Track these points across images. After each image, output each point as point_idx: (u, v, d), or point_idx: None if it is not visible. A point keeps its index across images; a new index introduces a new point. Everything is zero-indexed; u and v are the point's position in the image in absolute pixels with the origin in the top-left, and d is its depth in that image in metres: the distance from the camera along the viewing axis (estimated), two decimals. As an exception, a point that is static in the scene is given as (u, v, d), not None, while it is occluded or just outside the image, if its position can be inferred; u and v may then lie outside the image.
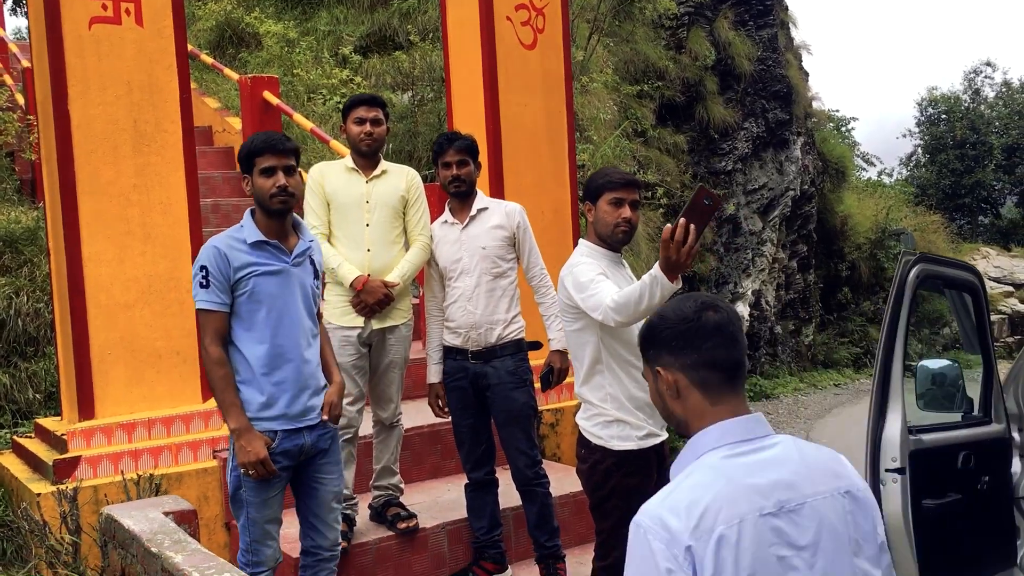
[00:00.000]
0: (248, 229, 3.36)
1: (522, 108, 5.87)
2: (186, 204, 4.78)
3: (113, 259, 4.61)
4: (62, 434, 4.49)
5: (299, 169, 3.47)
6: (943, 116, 29.93)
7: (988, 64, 34.82)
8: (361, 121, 4.33)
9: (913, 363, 4.11)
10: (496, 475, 4.38)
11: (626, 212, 3.36)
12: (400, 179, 4.44)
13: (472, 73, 5.88)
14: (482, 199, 4.33)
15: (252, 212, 3.42)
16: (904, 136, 33.57)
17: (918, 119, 30.77)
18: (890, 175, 30.05)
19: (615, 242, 3.42)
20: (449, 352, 4.25)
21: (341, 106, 9.03)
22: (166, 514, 3.52)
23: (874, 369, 3.36)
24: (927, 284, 3.55)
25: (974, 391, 4.05)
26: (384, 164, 4.46)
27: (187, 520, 3.55)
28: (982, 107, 29.98)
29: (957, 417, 3.91)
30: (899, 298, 3.32)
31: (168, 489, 4.32)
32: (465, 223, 4.24)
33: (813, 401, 15.76)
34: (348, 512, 4.32)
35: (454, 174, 4.22)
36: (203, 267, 3.28)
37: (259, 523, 3.32)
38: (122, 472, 4.34)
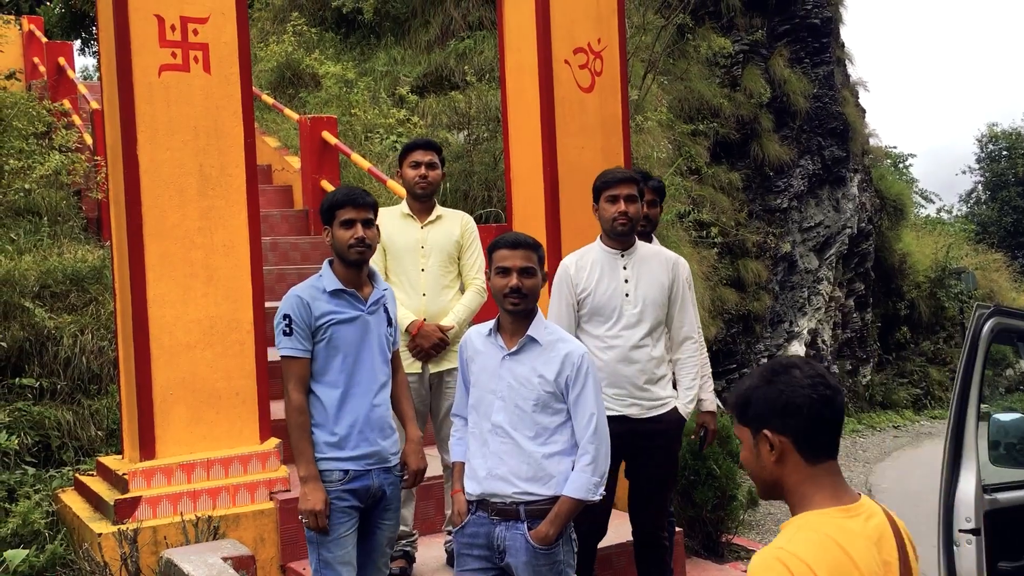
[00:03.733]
0: (327, 278, 3.53)
1: (579, 151, 5.86)
2: (248, 246, 4.84)
3: (177, 300, 4.68)
4: (123, 473, 4.55)
5: (376, 224, 3.60)
6: (1004, 152, 29.34)
7: (1050, 99, 34.09)
8: (417, 165, 4.42)
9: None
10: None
11: (621, 206, 3.74)
12: (455, 224, 4.51)
13: (529, 116, 5.90)
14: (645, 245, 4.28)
15: (331, 262, 3.59)
16: (964, 172, 33.03)
17: (978, 155, 30.24)
18: (949, 212, 29.54)
19: (616, 235, 3.82)
20: None
21: (397, 145, 9.20)
22: (225, 559, 3.53)
23: (947, 425, 3.26)
24: (1001, 338, 3.45)
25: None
26: (439, 210, 4.54)
27: (245, 566, 3.56)
28: (1045, 143, 29.37)
29: (1033, 474, 3.77)
30: (972, 352, 3.23)
31: (225, 530, 4.34)
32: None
33: (871, 443, 15.39)
34: (408, 549, 4.33)
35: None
36: (286, 315, 3.45)
37: (331, 564, 3.38)
38: (181, 513, 4.37)
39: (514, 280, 3.19)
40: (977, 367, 3.25)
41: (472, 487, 3.26)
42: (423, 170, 4.43)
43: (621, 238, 3.90)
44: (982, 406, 3.33)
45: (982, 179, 29.87)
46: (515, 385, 3.22)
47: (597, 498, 3.20)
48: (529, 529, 3.15)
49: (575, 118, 5.86)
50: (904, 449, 14.90)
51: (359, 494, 3.44)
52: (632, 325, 3.87)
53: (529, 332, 3.25)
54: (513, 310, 3.23)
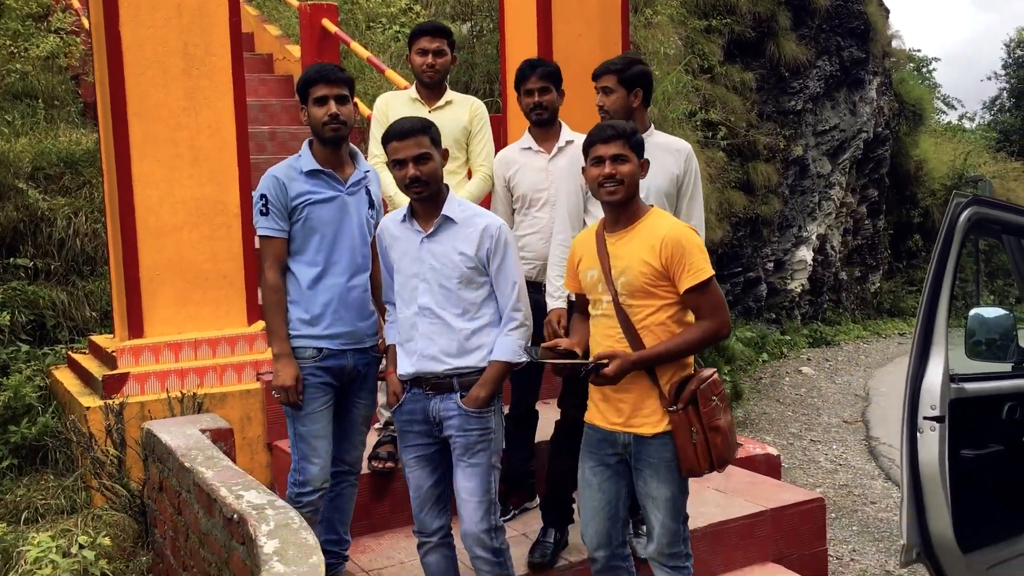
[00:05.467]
0: (305, 158, 3.51)
1: (576, 38, 5.73)
2: (234, 129, 4.81)
3: (162, 181, 4.68)
4: (112, 351, 4.62)
5: (355, 99, 3.56)
6: (1033, 58, 28.51)
7: (1085, 4, 32.92)
8: (424, 52, 4.32)
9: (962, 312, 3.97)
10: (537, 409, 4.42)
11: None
12: (464, 110, 4.44)
13: (526, 2, 5.75)
14: (567, 131, 4.28)
15: (310, 142, 3.56)
16: (989, 79, 32.17)
17: (1005, 61, 29.37)
18: (972, 119, 28.88)
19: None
20: None
21: (400, 35, 9.01)
22: (203, 431, 3.61)
23: (917, 314, 3.25)
24: (981, 229, 3.41)
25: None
26: (449, 94, 4.46)
27: (223, 438, 3.65)
28: (1075, 50, 28.47)
29: (1007, 367, 3.78)
30: (948, 241, 3.20)
31: (211, 408, 4.43)
32: (552, 154, 4.20)
33: (875, 349, 15.45)
34: (396, 434, 4.40)
35: (536, 101, 4.16)
36: (263, 195, 3.45)
37: (306, 438, 3.45)
38: (167, 390, 4.46)
39: (410, 170, 3.18)
40: (951, 257, 3.22)
41: (405, 367, 3.31)
42: (430, 58, 4.32)
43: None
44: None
45: (1007, 86, 29.10)
46: (437, 266, 3.25)
47: (524, 360, 3.27)
48: (462, 398, 3.23)
49: (573, 5, 5.71)
50: (905, 355, 14.88)
51: (333, 372, 3.48)
52: None
53: (443, 212, 3.26)
54: (419, 197, 3.24)
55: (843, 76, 15.46)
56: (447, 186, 3.35)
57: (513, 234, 4.20)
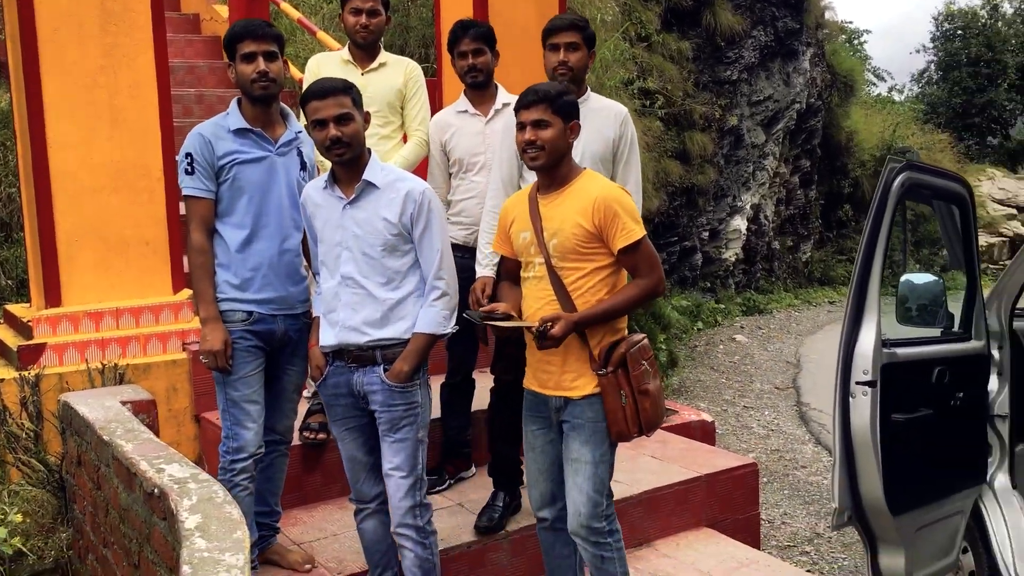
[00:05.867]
0: (233, 116, 3.39)
1: (511, 3, 5.63)
2: (156, 88, 4.61)
3: (80, 143, 4.47)
4: (28, 320, 4.42)
5: (284, 58, 3.42)
6: (959, 32, 29.14)
7: (1009, -20, 33.81)
8: (358, 11, 4.17)
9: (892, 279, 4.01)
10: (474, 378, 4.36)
11: (560, 55, 3.56)
12: (398, 72, 4.31)
13: (461, -38, 5.62)
14: (504, 93, 4.18)
15: (239, 101, 3.43)
16: (918, 52, 32.81)
17: (933, 34, 29.98)
18: (901, 92, 29.47)
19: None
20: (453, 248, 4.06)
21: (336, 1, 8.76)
22: (123, 403, 3.47)
23: (851, 278, 3.26)
24: (914, 194, 3.42)
25: (957, 309, 3.96)
26: (383, 56, 4.31)
27: (144, 410, 3.51)
28: (1000, 24, 29.17)
29: (936, 333, 3.83)
30: (882, 206, 3.20)
31: (134, 380, 4.27)
32: (489, 116, 4.10)
33: (806, 317, 15.75)
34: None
35: (470, 63, 4.06)
36: (188, 154, 3.32)
37: (238, 403, 3.34)
38: (87, 361, 4.29)
39: (331, 131, 3.06)
40: (885, 222, 3.23)
41: (327, 339, 3.21)
42: (364, 18, 4.17)
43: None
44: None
45: (935, 59, 29.74)
46: (360, 233, 3.14)
47: (449, 331, 3.20)
48: (385, 372, 3.15)
49: (508, -35, 5.59)
50: (836, 323, 15.26)
51: (263, 336, 3.38)
52: None
53: (365, 176, 3.14)
54: (340, 160, 3.12)
55: (777, 47, 15.59)
56: (370, 150, 3.24)
57: (440, 199, 4.14)
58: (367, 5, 4.17)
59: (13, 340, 4.48)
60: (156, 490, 2.61)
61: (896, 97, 28.07)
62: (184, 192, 3.35)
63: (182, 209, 3.54)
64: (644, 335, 3.04)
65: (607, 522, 3.07)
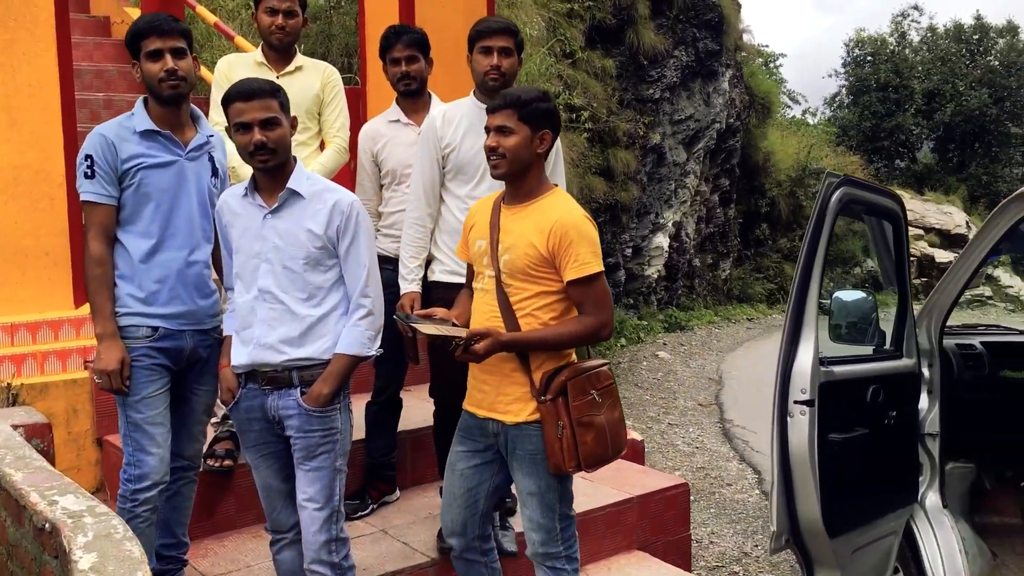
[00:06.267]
0: (139, 117, 3.10)
1: (440, 9, 5.48)
2: (58, 88, 4.31)
3: (-28, 145, 4.15)
4: (-89, 337, 4.08)
5: (194, 55, 3.17)
6: (869, 58, 30.14)
7: (916, 8, 35.17)
8: (273, 12, 3.95)
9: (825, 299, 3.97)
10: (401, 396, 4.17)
11: (494, 59, 3.45)
12: (315, 76, 4.10)
13: (387, -33, 5.46)
14: (438, 103, 4.02)
15: (145, 101, 3.15)
16: (830, 76, 33.86)
17: (844, 60, 30.96)
18: (814, 114, 30.30)
19: (488, 90, 3.50)
20: (384, 261, 3.75)
21: (251, 2, 8.49)
22: (15, 427, 3.18)
23: (789, 297, 3.19)
24: (848, 210, 3.38)
25: (888, 327, 3.95)
26: (300, 59, 4.10)
27: (39, 434, 3.23)
28: (907, 51, 30.27)
29: (868, 350, 3.80)
30: (819, 223, 3.14)
31: (29, 401, 3.96)
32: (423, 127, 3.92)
33: (726, 334, 15.93)
34: (233, 429, 4.04)
35: (403, 71, 3.90)
36: (88, 156, 3.02)
37: (141, 425, 3.06)
38: (-23, 380, 3.96)
39: (257, 135, 2.86)
40: (823, 238, 3.17)
41: (239, 357, 2.99)
42: (280, 18, 3.94)
43: (493, 93, 3.51)
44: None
45: (846, 84, 30.67)
46: (281, 245, 2.94)
47: (372, 353, 3.01)
48: (302, 395, 2.94)
49: (436, -27, 5.45)
50: (755, 340, 15.50)
51: (170, 354, 3.13)
52: (499, 187, 3.59)
53: (289, 185, 2.95)
54: (264, 167, 2.92)
55: (698, 67, 15.80)
56: (295, 158, 3.04)
57: (371, 212, 3.96)
58: (284, 5, 3.96)
59: None
60: (47, 525, 2.36)
61: (809, 120, 28.83)
62: (82, 197, 3.07)
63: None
64: (602, 362, 2.89)
65: (564, 546, 2.90)
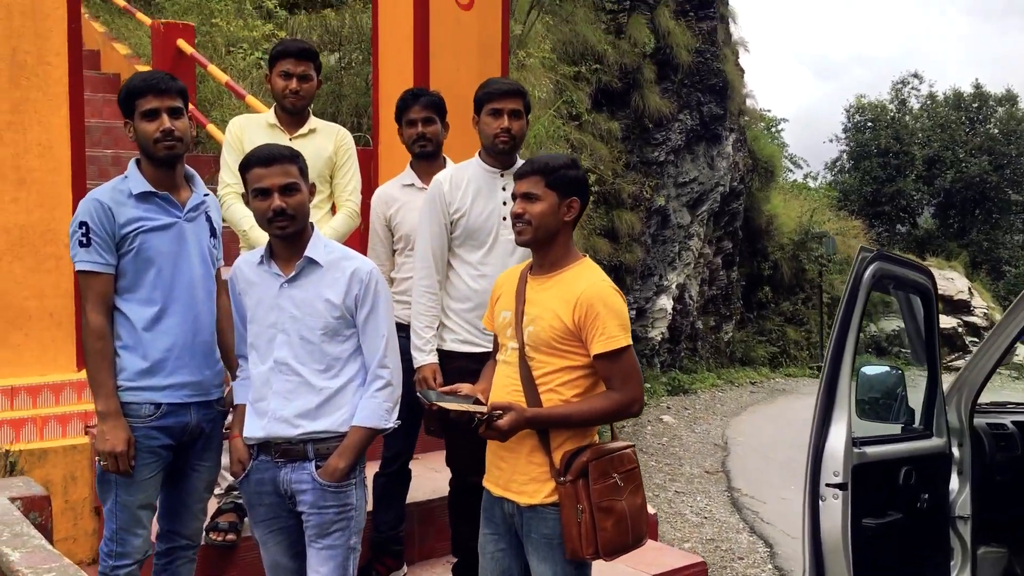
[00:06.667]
0: (133, 179, 2.97)
1: (454, 72, 5.45)
2: (69, 148, 4.25)
3: (-21, 204, 4.07)
4: (-92, 399, 3.95)
5: (187, 113, 3.04)
6: (869, 124, 30.44)
7: (916, 76, 35.60)
8: (288, 75, 3.89)
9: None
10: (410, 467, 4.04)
11: (504, 122, 3.39)
12: (328, 139, 4.04)
13: (402, 32, 5.45)
14: (452, 166, 3.95)
15: (137, 162, 3.01)
16: (831, 141, 34.14)
17: (845, 125, 31.27)
18: (815, 179, 30.50)
19: (497, 152, 3.46)
20: (398, 328, 3.61)
21: (262, 63, 8.53)
22: (12, 500, 3.04)
23: (821, 373, 3.08)
24: (878, 284, 3.28)
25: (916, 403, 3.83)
26: (313, 122, 4.04)
27: (37, 507, 3.09)
28: (907, 118, 30.59)
29: (897, 429, 3.67)
30: (852, 298, 3.04)
31: (29, 467, 3.82)
32: None
33: (730, 398, 15.77)
34: (240, 501, 3.89)
35: (420, 132, 3.86)
36: (83, 223, 2.88)
37: (129, 508, 2.92)
38: (-26, 446, 3.83)
39: (276, 201, 2.79)
40: (856, 314, 3.07)
41: (253, 430, 2.88)
42: (294, 82, 3.88)
43: (502, 156, 3.51)
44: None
45: (847, 149, 30.94)
46: (298, 315, 2.85)
47: (391, 426, 2.91)
48: (317, 469, 2.83)
49: (451, 37, 5.44)
50: (759, 404, 15.34)
51: (172, 431, 2.98)
52: (509, 252, 3.49)
53: (307, 253, 2.87)
54: (282, 234, 2.85)
55: (703, 131, 15.90)
56: (312, 225, 2.96)
57: (386, 280, 3.86)
58: (298, 69, 3.91)
59: None
60: (45, 612, 2.22)
61: (811, 184, 29.00)
62: (78, 267, 2.92)
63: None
64: (627, 444, 2.76)
65: None
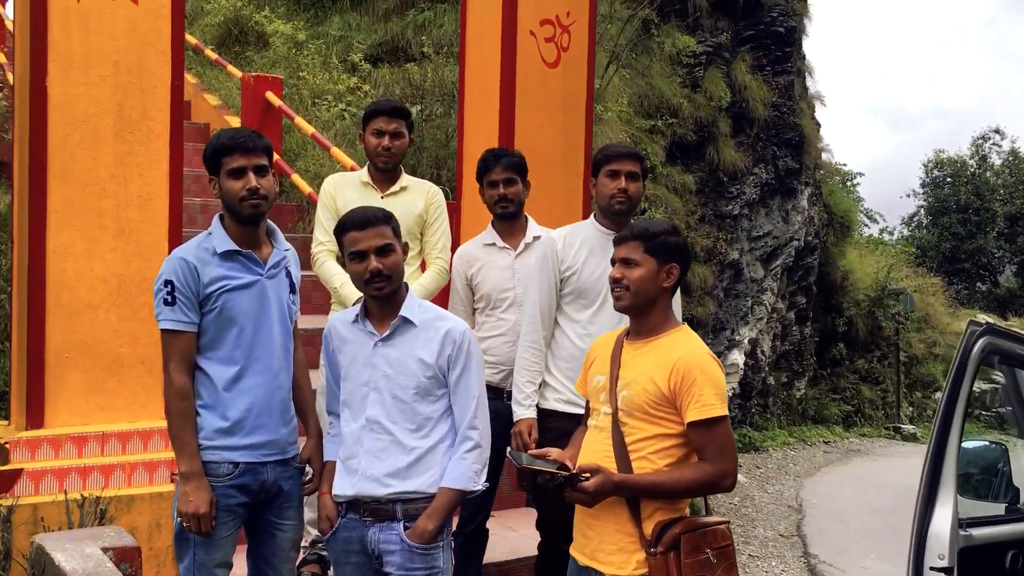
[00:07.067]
0: (217, 238, 2.98)
1: (539, 128, 5.50)
2: (167, 200, 4.38)
3: (81, 254, 4.20)
4: (5, 442, 4.05)
5: (273, 170, 3.08)
6: (949, 179, 29.79)
7: (997, 131, 34.81)
8: (380, 133, 3.97)
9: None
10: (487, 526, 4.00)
11: (621, 183, 3.44)
12: (419, 196, 4.09)
13: (488, 88, 5.52)
14: (534, 226, 4.00)
15: (221, 218, 3.03)
16: (908, 196, 33.47)
17: (923, 180, 30.65)
18: (891, 233, 29.89)
19: (613, 214, 3.51)
20: None
21: (346, 114, 8.71)
22: (105, 550, 3.07)
23: (927, 449, 2.96)
24: (989, 360, 3.16)
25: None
26: (405, 179, 4.10)
27: (128, 559, 3.11)
28: (988, 174, 29.86)
29: (1000, 508, 3.51)
30: (961, 372, 2.93)
31: (116, 514, 3.88)
32: (519, 250, 3.91)
33: (802, 457, 15.37)
34: (324, 553, 3.89)
35: (501, 193, 3.90)
36: (168, 281, 2.90)
37: (207, 566, 2.92)
38: (66, 491, 3.89)
39: (372, 263, 2.83)
40: (963, 390, 2.96)
41: (343, 488, 2.89)
42: (387, 140, 3.95)
43: (618, 217, 3.52)
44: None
45: (925, 204, 30.29)
46: (391, 374, 2.87)
47: (479, 488, 2.90)
48: (406, 529, 2.82)
49: (536, 94, 5.49)
50: (834, 465, 14.90)
51: (249, 490, 2.97)
52: (618, 314, 3.48)
53: (402, 313, 2.90)
54: (379, 295, 2.88)
55: (777, 184, 15.72)
56: (406, 285, 2.98)
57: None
58: (390, 127, 3.97)
59: (-14, 463, 4.10)
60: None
61: (886, 238, 28.42)
62: (162, 326, 2.92)
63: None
64: (722, 520, 2.68)
65: None
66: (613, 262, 2.79)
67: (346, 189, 4.02)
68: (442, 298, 4.38)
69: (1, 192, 6.48)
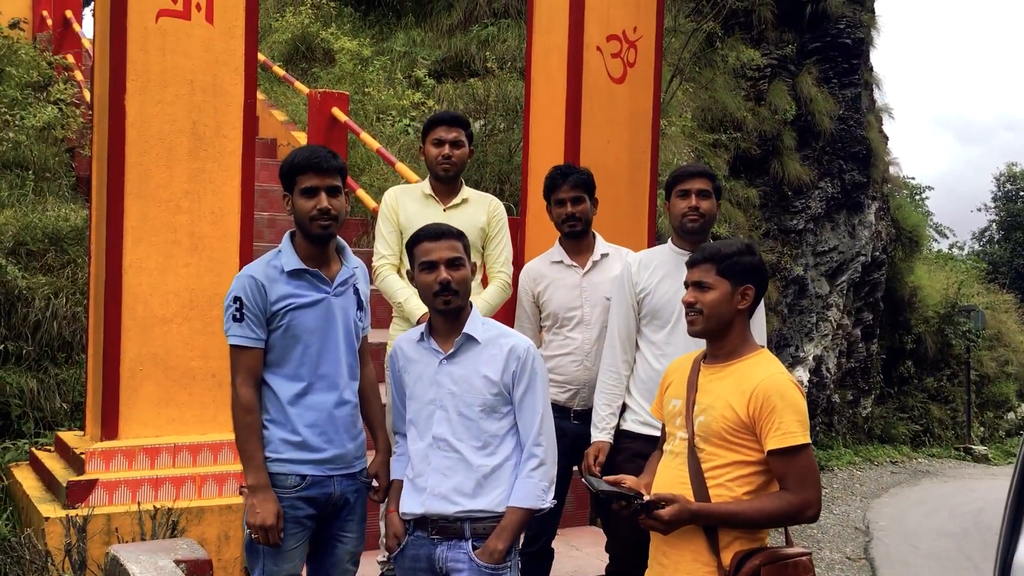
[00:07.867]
0: (286, 256, 3.01)
1: (605, 144, 5.47)
2: (239, 216, 4.45)
3: (155, 268, 4.28)
4: (80, 452, 4.14)
5: (346, 190, 3.10)
6: (1021, 193, 28.96)
7: (1071, 143, 33.78)
8: (440, 143, 3.97)
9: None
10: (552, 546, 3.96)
11: (692, 201, 3.44)
12: (481, 209, 4.08)
13: (554, 104, 5.51)
14: (602, 243, 3.97)
15: (292, 235, 3.07)
16: (979, 210, 32.65)
17: (995, 194, 29.84)
18: (961, 248, 29.15)
19: (685, 232, 3.49)
20: None
21: (410, 129, 8.80)
22: (178, 563, 3.11)
23: (1011, 476, 2.85)
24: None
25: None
26: (466, 191, 4.09)
27: (200, 571, 3.15)
28: (1063, 187, 28.98)
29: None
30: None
31: (186, 525, 3.94)
32: (587, 268, 3.88)
33: (869, 478, 15.01)
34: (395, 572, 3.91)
35: (569, 212, 3.86)
36: (237, 298, 2.94)
37: None
38: (139, 502, 3.97)
39: (442, 274, 2.83)
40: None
41: (411, 506, 2.88)
42: (447, 149, 3.95)
43: (691, 237, 3.49)
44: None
45: (996, 219, 29.48)
46: (456, 391, 2.86)
47: (547, 506, 2.87)
48: (474, 548, 2.80)
49: (603, 110, 5.47)
50: (902, 486, 14.54)
51: (317, 502, 2.99)
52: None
53: (465, 330, 2.89)
54: (445, 308, 2.87)
55: (843, 199, 15.44)
56: (471, 303, 2.98)
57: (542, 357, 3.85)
58: (450, 136, 3.96)
59: (63, 473, 4.20)
60: None
61: (956, 253, 27.71)
62: (230, 341, 2.97)
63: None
64: (805, 551, 2.61)
65: None
66: (686, 285, 2.74)
67: (408, 201, 4.03)
68: (504, 313, 4.37)
69: (80, 207, 6.66)
